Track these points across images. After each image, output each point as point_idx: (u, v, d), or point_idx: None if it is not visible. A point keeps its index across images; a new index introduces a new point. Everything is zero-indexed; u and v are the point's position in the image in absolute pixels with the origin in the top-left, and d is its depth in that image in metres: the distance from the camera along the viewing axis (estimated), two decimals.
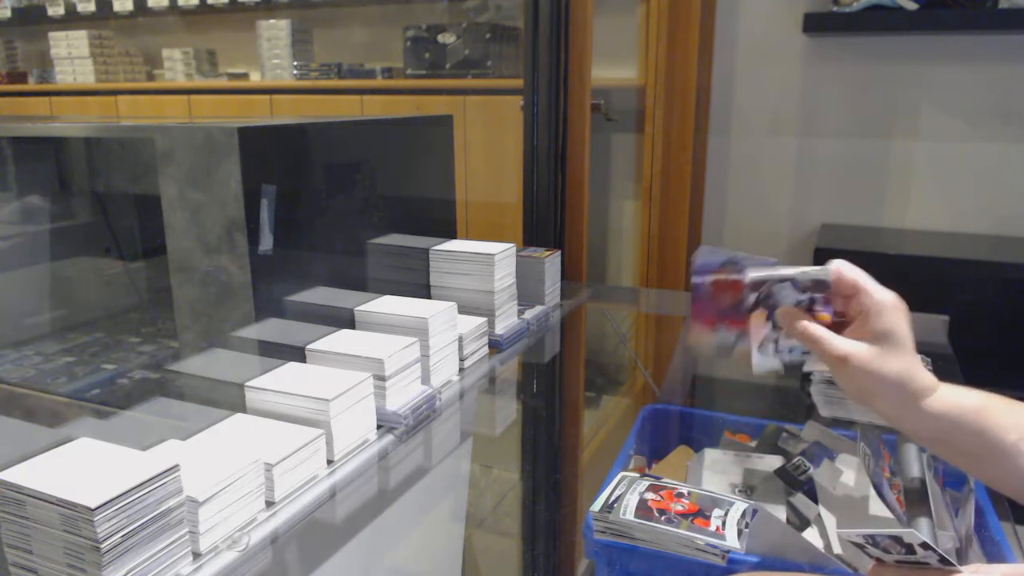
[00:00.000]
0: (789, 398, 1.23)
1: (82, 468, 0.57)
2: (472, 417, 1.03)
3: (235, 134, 0.84)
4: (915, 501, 0.77)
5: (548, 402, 1.31)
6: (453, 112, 1.35)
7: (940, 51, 2.10)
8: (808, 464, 0.92)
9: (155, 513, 0.56)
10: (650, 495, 0.80)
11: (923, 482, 0.80)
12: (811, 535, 0.85)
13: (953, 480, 0.90)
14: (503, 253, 1.14)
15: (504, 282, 1.15)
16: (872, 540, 0.53)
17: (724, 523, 0.75)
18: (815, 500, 0.88)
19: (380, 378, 0.85)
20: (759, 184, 2.38)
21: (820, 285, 0.64)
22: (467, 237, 1.22)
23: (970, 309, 1.95)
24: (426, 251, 1.15)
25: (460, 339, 1.03)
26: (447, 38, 2.68)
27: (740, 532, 0.74)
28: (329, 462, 0.78)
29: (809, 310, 0.64)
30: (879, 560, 0.55)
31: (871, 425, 0.89)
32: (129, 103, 3.25)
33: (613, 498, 0.79)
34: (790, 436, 1.01)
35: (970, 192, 2.15)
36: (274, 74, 3.07)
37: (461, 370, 1.04)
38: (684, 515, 0.76)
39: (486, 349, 1.10)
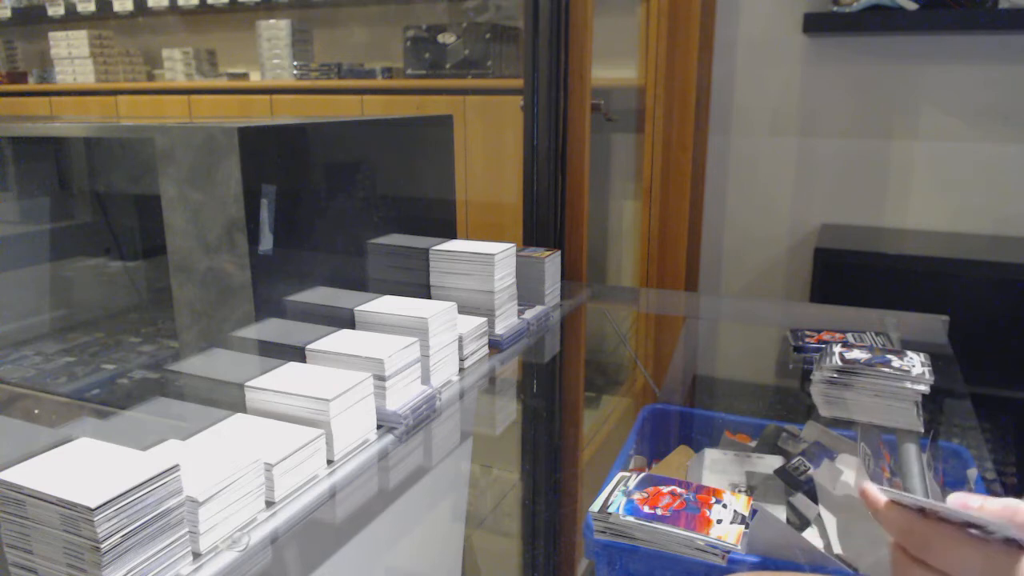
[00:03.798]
0: (789, 398, 1.23)
1: (82, 468, 0.57)
2: (472, 417, 1.03)
3: (235, 134, 0.84)
4: None
5: (548, 402, 1.31)
6: (453, 112, 1.35)
7: (940, 51, 2.10)
8: (808, 464, 0.92)
9: (155, 513, 0.56)
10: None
11: (923, 482, 0.80)
12: (811, 535, 0.85)
13: (953, 480, 0.90)
14: (503, 253, 1.14)
15: (504, 282, 1.15)
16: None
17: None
18: (815, 500, 0.88)
19: (380, 378, 0.85)
20: (759, 184, 2.38)
21: None
22: (467, 237, 1.22)
23: (970, 309, 1.96)
24: (426, 251, 1.15)
25: (460, 339, 1.03)
26: (447, 38, 2.68)
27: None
28: (329, 462, 0.78)
29: None
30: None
31: (871, 425, 0.89)
32: (129, 103, 3.25)
33: (613, 498, 0.80)
34: (790, 436, 1.01)
35: (970, 192, 2.15)
36: (274, 74, 3.07)
37: (461, 370, 1.04)
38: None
39: (486, 349, 1.10)
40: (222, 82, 3.25)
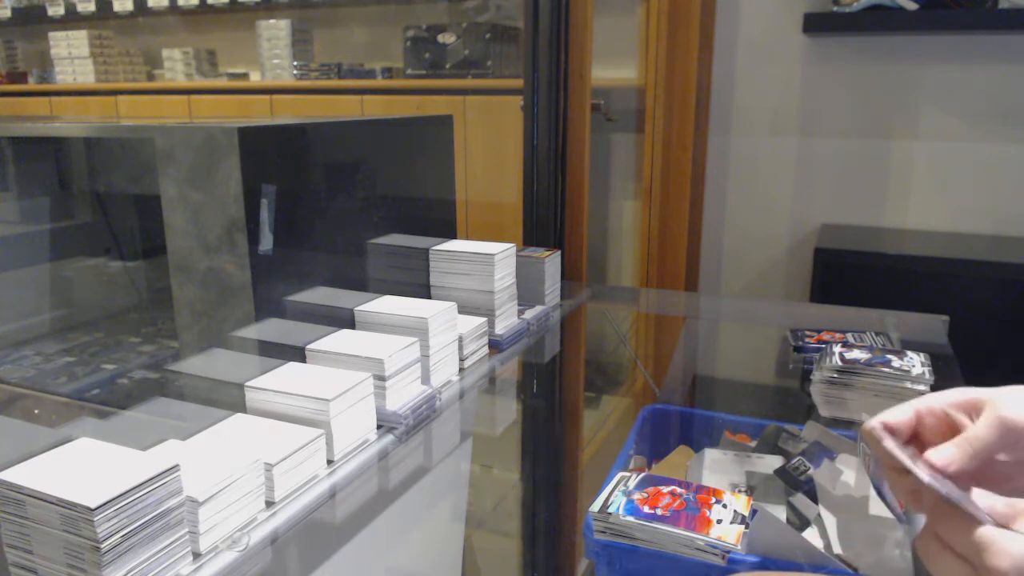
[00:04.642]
0: (789, 398, 1.23)
1: (82, 468, 0.57)
2: (472, 417, 1.03)
3: (235, 134, 0.84)
4: None
5: (548, 402, 1.31)
6: (453, 112, 1.35)
7: (940, 51, 2.10)
8: (808, 464, 0.92)
9: (155, 513, 0.56)
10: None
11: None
12: (811, 535, 0.85)
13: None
14: (503, 253, 1.14)
15: (504, 282, 1.15)
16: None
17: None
18: (815, 500, 0.88)
19: (380, 378, 0.85)
20: (759, 184, 2.38)
21: None
22: (467, 237, 1.22)
23: (970, 309, 1.96)
24: (426, 251, 1.15)
25: (460, 339, 1.03)
26: (447, 38, 2.68)
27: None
28: (329, 462, 0.78)
29: None
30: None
31: None
32: (129, 103, 3.26)
33: (613, 498, 0.80)
34: (790, 436, 1.01)
35: (970, 192, 2.15)
36: (274, 74, 3.07)
37: (461, 370, 1.04)
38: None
39: (486, 349, 1.10)
40: (222, 82, 3.25)
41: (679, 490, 0.81)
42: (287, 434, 0.74)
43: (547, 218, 1.52)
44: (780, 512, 0.89)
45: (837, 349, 1.03)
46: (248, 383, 0.81)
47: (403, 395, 0.88)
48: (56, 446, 0.60)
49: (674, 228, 2.18)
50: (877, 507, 0.87)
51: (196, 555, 0.62)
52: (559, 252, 1.34)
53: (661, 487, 0.82)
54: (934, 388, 0.93)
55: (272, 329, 0.91)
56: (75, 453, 0.59)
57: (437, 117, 1.30)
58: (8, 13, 3.72)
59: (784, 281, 2.42)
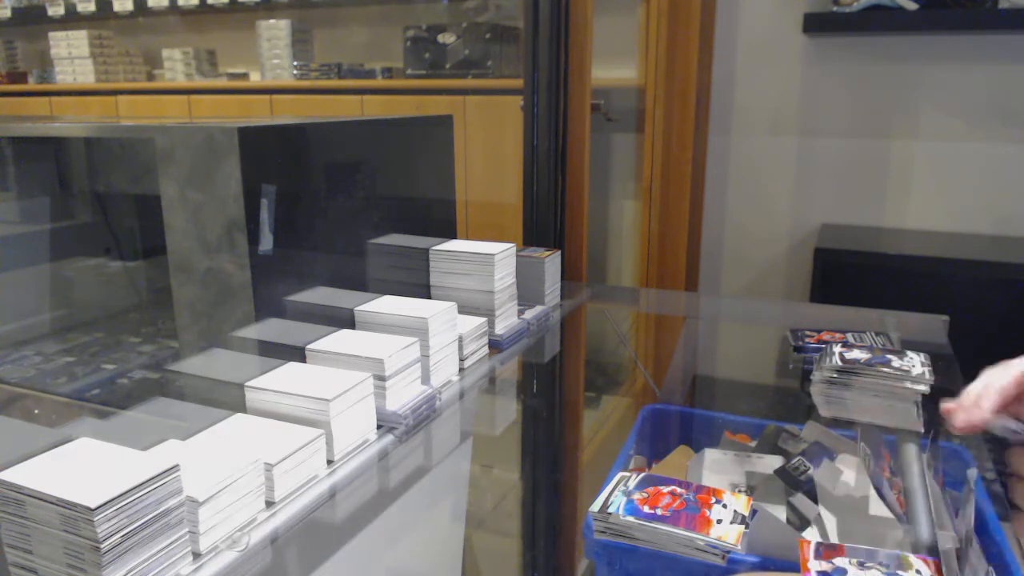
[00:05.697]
0: (789, 398, 1.23)
1: (82, 468, 0.57)
2: (472, 417, 1.03)
3: (235, 134, 0.84)
4: (915, 501, 0.77)
5: (548, 402, 1.31)
6: (453, 112, 1.35)
7: (940, 51, 2.10)
8: (808, 464, 0.92)
9: (155, 513, 0.56)
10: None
11: (923, 482, 0.80)
12: (811, 535, 0.85)
13: (953, 480, 0.90)
14: (503, 253, 1.14)
15: (504, 282, 1.15)
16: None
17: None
18: (815, 500, 0.88)
19: (380, 378, 0.85)
20: (759, 184, 2.38)
21: None
22: (467, 237, 1.22)
23: (970, 309, 1.96)
24: (426, 251, 1.15)
25: (460, 339, 1.03)
26: (447, 38, 2.68)
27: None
28: (329, 462, 0.78)
29: None
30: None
31: (871, 425, 0.89)
32: (129, 103, 3.26)
33: (613, 498, 0.80)
34: (790, 436, 1.01)
35: (970, 192, 2.16)
36: (274, 74, 3.07)
37: (461, 370, 1.04)
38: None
39: (486, 349, 1.10)
40: (222, 82, 3.25)
41: (679, 490, 0.81)
42: (287, 434, 0.74)
43: (547, 218, 1.52)
44: (780, 512, 0.89)
45: (837, 349, 1.02)
46: (248, 383, 0.81)
47: (403, 395, 0.88)
48: (56, 446, 0.60)
49: (674, 228, 2.18)
50: (877, 507, 0.86)
51: (196, 555, 0.62)
52: (559, 252, 1.34)
53: (661, 487, 0.82)
54: (934, 388, 0.93)
55: (272, 329, 0.91)
56: (75, 453, 0.59)
57: (437, 117, 1.30)
58: (8, 13, 3.72)
59: (784, 281, 2.42)
